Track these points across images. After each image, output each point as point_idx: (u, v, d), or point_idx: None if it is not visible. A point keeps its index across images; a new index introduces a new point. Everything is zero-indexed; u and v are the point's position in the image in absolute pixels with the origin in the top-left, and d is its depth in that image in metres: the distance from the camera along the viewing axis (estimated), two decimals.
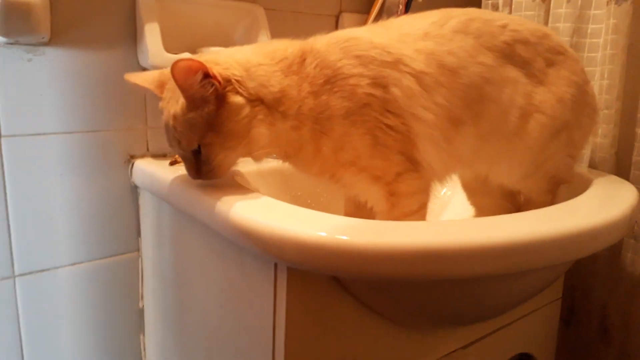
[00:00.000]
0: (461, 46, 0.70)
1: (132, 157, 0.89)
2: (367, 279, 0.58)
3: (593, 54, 1.00)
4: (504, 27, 0.74)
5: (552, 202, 0.79)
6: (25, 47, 0.76)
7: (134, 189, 0.91)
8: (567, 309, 1.08)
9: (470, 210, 0.94)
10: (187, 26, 0.89)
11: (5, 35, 0.72)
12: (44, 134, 0.80)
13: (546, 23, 1.05)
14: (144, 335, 0.98)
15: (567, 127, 0.77)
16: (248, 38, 0.95)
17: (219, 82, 0.61)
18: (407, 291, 0.63)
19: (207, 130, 0.62)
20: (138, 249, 0.94)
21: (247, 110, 0.63)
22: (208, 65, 0.60)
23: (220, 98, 0.62)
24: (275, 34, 0.94)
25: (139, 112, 0.89)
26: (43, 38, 0.76)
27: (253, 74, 0.64)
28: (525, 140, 0.74)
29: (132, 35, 0.85)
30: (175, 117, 0.62)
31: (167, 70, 0.62)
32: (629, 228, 0.71)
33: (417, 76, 0.67)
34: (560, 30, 1.02)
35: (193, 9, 0.89)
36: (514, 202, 0.90)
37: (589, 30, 1.01)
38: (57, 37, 0.78)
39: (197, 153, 0.64)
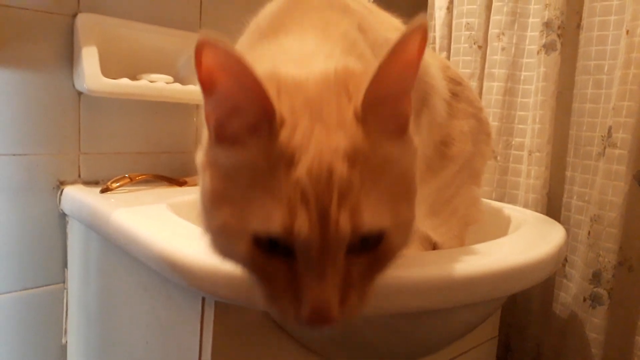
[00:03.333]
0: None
1: (62, 184, 0.86)
2: None
3: (526, 100, 1.05)
4: None
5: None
6: None
7: (62, 217, 0.87)
8: (503, 347, 1.10)
9: None
10: (127, 51, 0.88)
11: None
12: None
13: (483, 68, 1.10)
14: None
15: (469, 160, 0.77)
16: (192, 67, 0.94)
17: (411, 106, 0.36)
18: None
19: (397, 195, 0.35)
20: (64, 281, 0.89)
21: None
22: None
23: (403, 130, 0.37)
24: None
25: (72, 137, 0.85)
26: None
27: None
28: (435, 169, 0.74)
29: (69, 59, 0.83)
30: (352, 154, 0.32)
31: (275, 74, 0.36)
32: (556, 266, 0.73)
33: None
34: (496, 75, 1.07)
35: (134, 35, 0.88)
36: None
37: (522, 77, 1.06)
38: None
39: (358, 252, 0.33)
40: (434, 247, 0.87)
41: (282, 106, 0.33)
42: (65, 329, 0.90)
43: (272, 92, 0.32)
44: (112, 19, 0.85)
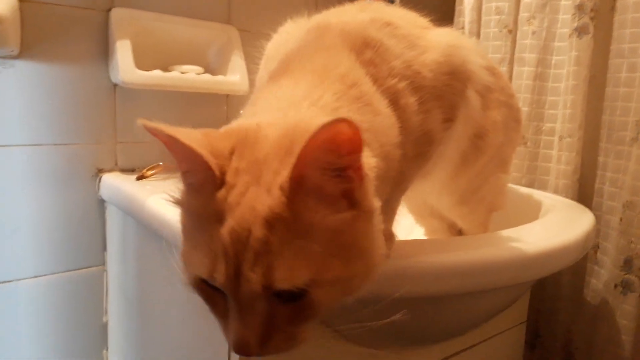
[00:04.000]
0: None
1: (100, 171, 0.90)
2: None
3: (557, 84, 1.03)
4: None
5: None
6: None
7: (101, 203, 0.91)
8: (532, 333, 1.09)
9: (419, 229, 0.95)
10: (160, 44, 0.91)
11: None
12: (10, 145, 0.81)
13: (512, 53, 1.08)
14: (107, 350, 0.96)
15: (499, 148, 0.77)
16: (221, 58, 0.97)
17: (361, 178, 0.38)
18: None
19: (329, 255, 0.36)
20: (104, 263, 0.93)
21: None
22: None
23: (353, 202, 0.38)
24: (249, 55, 0.96)
25: (109, 127, 0.89)
26: (12, 51, 0.77)
27: None
28: (469, 162, 0.74)
29: (105, 52, 0.87)
30: (271, 219, 0.35)
31: (219, 133, 0.40)
32: (583, 252, 0.73)
33: None
34: (526, 60, 1.05)
35: (166, 27, 0.91)
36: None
37: (553, 61, 1.04)
38: (27, 50, 0.79)
39: (283, 301, 0.37)
40: (460, 233, 0.88)
41: (229, 167, 0.37)
42: (106, 308, 0.95)
43: (217, 155, 0.37)
44: (144, 13, 0.89)
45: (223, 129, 0.42)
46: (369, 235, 0.39)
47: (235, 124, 0.43)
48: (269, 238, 0.35)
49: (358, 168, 0.37)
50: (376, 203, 0.40)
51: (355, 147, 0.35)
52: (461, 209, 0.81)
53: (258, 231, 0.35)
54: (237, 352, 0.37)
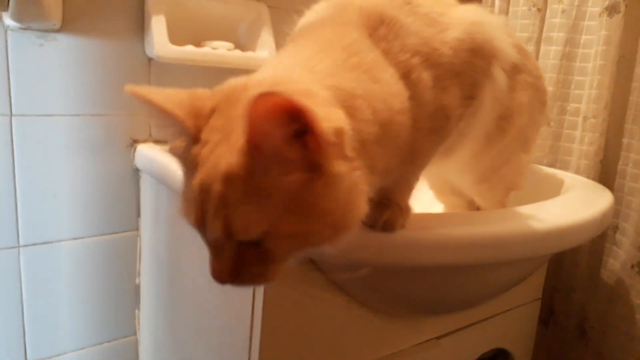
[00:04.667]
0: None
1: (135, 142, 0.94)
2: (349, 265, 0.60)
3: (585, 64, 1.03)
4: None
5: None
6: (37, 32, 0.81)
7: (136, 172, 0.96)
8: (546, 310, 1.12)
9: (439, 205, 0.97)
10: (192, 19, 0.93)
11: (18, 20, 0.77)
12: (52, 115, 0.85)
13: (541, 32, 1.07)
14: (139, 310, 1.02)
15: (522, 129, 0.77)
16: (251, 34, 0.99)
17: (319, 144, 0.38)
18: (383, 278, 0.66)
19: (284, 211, 0.39)
20: (137, 228, 0.98)
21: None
22: (314, 115, 0.36)
23: (313, 165, 0.39)
24: (278, 32, 0.98)
25: None
26: (54, 25, 0.81)
27: None
28: (493, 142, 0.75)
29: (140, 27, 0.90)
30: (229, 177, 0.38)
31: (206, 93, 0.43)
32: (598, 231, 0.74)
33: None
34: (554, 39, 1.05)
35: (199, 4, 0.93)
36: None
37: (582, 41, 1.03)
38: (68, 24, 0.83)
39: (247, 245, 0.41)
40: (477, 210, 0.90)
41: (208, 124, 0.41)
42: (139, 271, 1.01)
43: (196, 114, 0.41)
44: None
45: (215, 87, 0.45)
46: (331, 197, 0.41)
47: (227, 82, 0.45)
48: (226, 193, 0.38)
49: (316, 134, 0.37)
50: (343, 167, 0.41)
51: (299, 116, 0.36)
52: (481, 186, 0.82)
53: (217, 186, 0.38)
54: (214, 280, 0.42)
